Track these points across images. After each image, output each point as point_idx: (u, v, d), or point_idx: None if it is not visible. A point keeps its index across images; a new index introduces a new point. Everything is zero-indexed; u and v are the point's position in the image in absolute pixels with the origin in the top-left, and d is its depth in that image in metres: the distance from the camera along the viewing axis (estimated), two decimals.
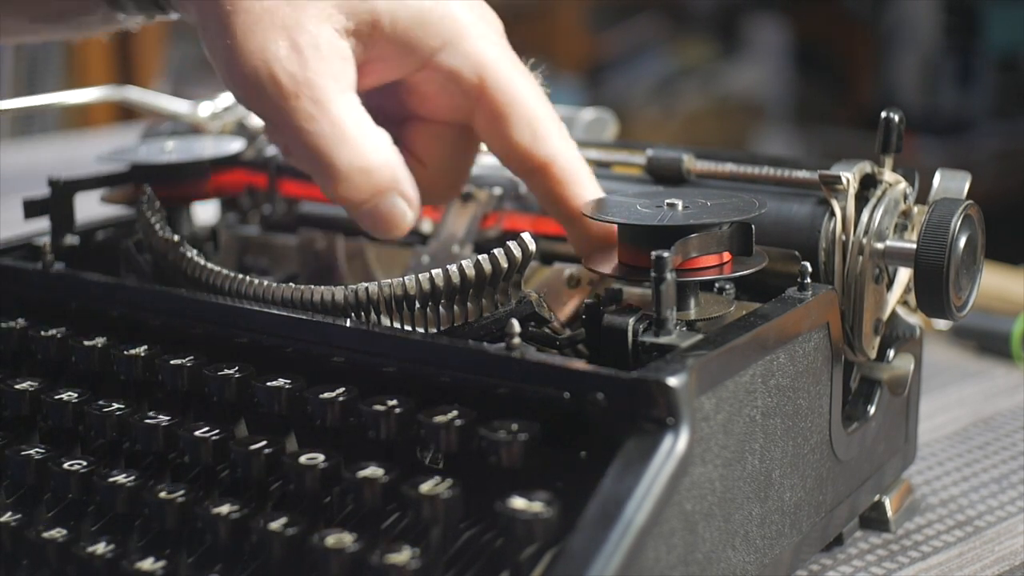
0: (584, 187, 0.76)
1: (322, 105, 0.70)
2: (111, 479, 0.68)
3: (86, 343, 0.76)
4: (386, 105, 0.78)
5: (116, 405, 0.72)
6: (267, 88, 0.70)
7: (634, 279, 0.73)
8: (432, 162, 0.79)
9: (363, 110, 0.72)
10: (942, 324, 0.82)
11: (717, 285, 0.76)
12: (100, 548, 0.64)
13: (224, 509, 0.64)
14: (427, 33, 0.74)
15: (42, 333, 0.78)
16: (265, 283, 0.75)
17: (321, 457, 0.65)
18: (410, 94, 0.77)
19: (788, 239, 0.76)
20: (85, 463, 0.70)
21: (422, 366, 0.67)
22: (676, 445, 0.60)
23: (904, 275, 0.78)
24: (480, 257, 0.70)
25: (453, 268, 0.70)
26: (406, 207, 0.72)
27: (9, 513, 0.68)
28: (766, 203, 0.73)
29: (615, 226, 0.74)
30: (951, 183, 0.79)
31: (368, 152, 0.71)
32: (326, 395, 0.67)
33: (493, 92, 0.75)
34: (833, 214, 0.76)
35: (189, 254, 0.79)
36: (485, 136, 0.77)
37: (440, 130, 0.79)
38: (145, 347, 0.75)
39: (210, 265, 0.78)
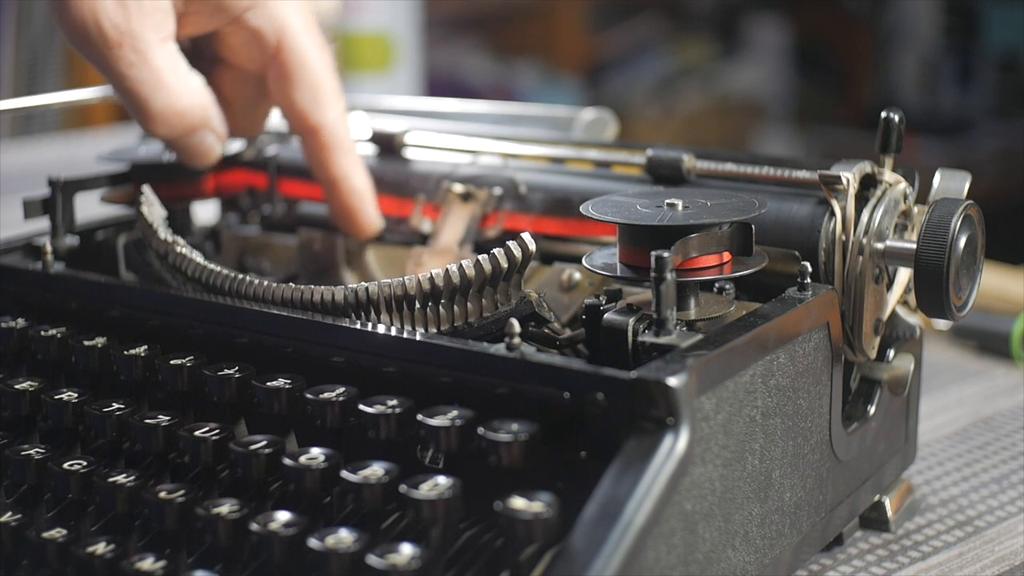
0: (346, 156, 0.87)
1: (143, 54, 0.79)
2: (111, 479, 0.68)
3: (86, 343, 0.76)
4: (203, 47, 0.87)
5: (116, 405, 0.73)
6: (94, 36, 0.79)
7: (625, 278, 0.73)
8: (236, 103, 0.88)
9: (180, 58, 0.82)
10: (942, 324, 0.82)
11: (717, 285, 0.76)
12: (100, 548, 0.64)
13: (224, 509, 0.64)
14: None
15: (42, 333, 0.78)
16: (265, 283, 0.75)
17: (321, 457, 0.65)
18: (221, 42, 0.87)
19: (788, 239, 0.76)
20: (85, 463, 0.70)
21: (422, 366, 0.67)
22: (676, 445, 0.60)
23: (904, 275, 0.78)
24: (480, 257, 0.70)
25: (453, 268, 0.70)
26: (215, 140, 0.84)
27: (9, 513, 0.68)
28: (766, 203, 0.73)
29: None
30: (951, 183, 0.79)
31: (182, 96, 0.81)
32: (326, 395, 0.67)
33: (287, 55, 0.85)
34: (833, 214, 0.76)
35: (189, 254, 0.79)
36: (272, 90, 0.87)
37: (244, 77, 0.88)
38: (145, 347, 0.75)
39: (210, 265, 0.78)
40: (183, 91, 0.81)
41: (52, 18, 0.83)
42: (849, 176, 0.76)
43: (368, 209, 0.88)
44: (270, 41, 0.85)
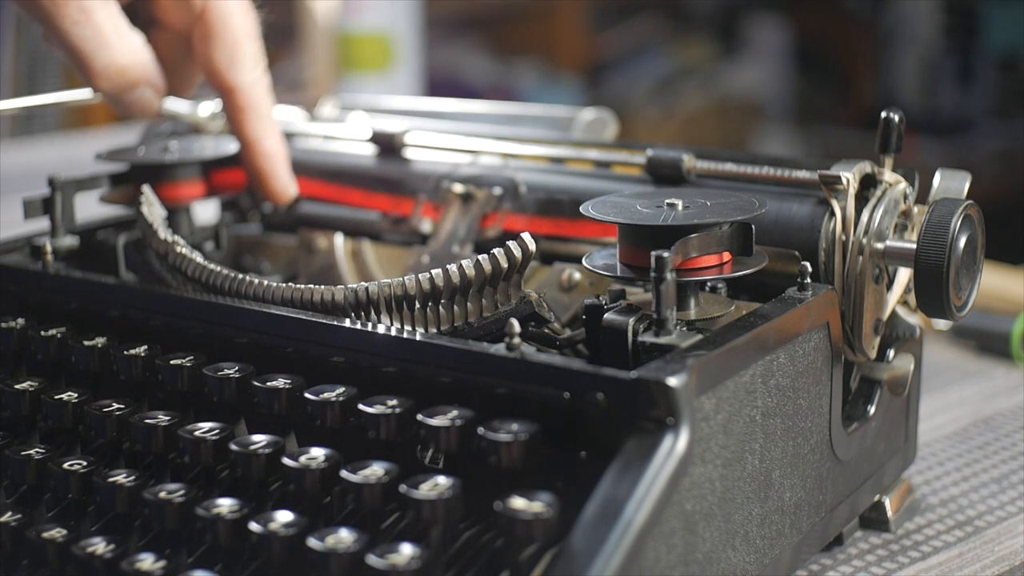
0: (260, 120, 0.90)
1: (87, 12, 0.82)
2: (111, 479, 0.68)
3: (86, 343, 0.76)
4: (138, 10, 0.90)
5: (116, 405, 0.73)
6: None
7: (625, 278, 0.73)
8: (167, 62, 0.90)
9: (122, 17, 0.84)
10: (942, 324, 0.82)
11: (709, 284, 0.76)
12: (100, 548, 0.64)
13: (224, 509, 0.64)
14: None
15: (42, 333, 0.78)
16: (265, 283, 0.75)
17: (321, 457, 0.65)
18: (155, 3, 0.90)
19: (788, 239, 0.76)
20: (85, 463, 0.70)
21: (422, 366, 0.67)
22: (676, 445, 0.60)
23: (904, 275, 0.78)
24: (480, 257, 0.70)
25: (453, 268, 0.70)
26: (153, 95, 0.87)
27: (9, 513, 0.68)
28: (766, 203, 0.73)
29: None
30: (951, 183, 0.79)
31: (124, 54, 0.84)
32: (326, 395, 0.67)
33: (209, 15, 0.88)
34: (833, 214, 0.76)
35: (189, 254, 0.79)
36: (195, 49, 0.89)
37: (175, 37, 0.90)
38: (145, 347, 0.75)
39: (210, 265, 0.78)
40: (125, 48, 0.84)
41: None
42: (849, 176, 0.76)
43: (279, 174, 0.91)
44: (196, 2, 0.88)
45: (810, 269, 0.72)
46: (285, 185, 0.91)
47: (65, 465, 0.70)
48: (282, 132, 0.92)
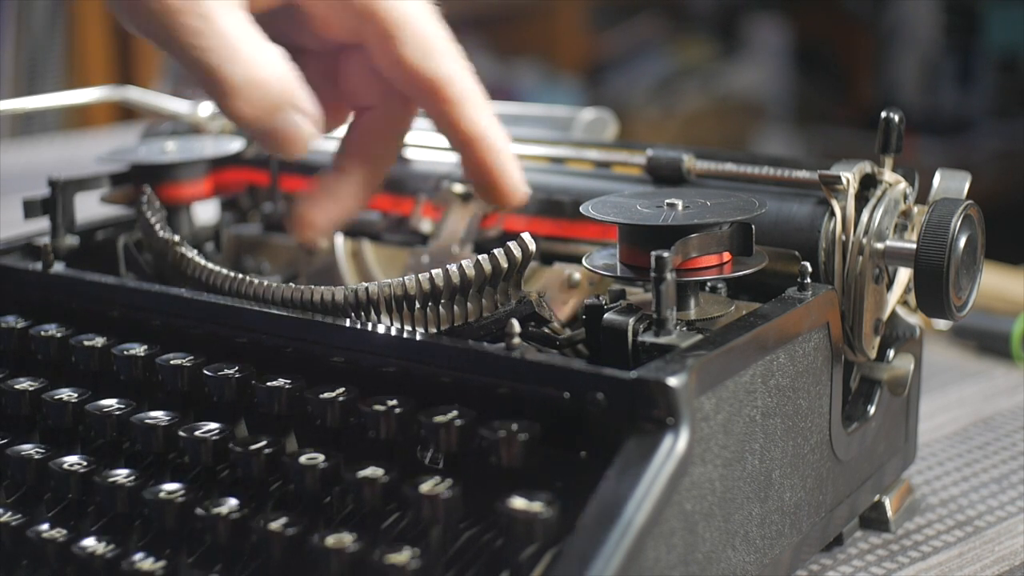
0: (477, 109, 0.74)
1: (209, 20, 0.68)
2: (111, 479, 0.68)
3: (86, 343, 0.76)
4: (279, 35, 0.74)
5: (116, 405, 0.73)
6: (152, 6, 0.68)
7: (625, 278, 0.73)
8: (320, 92, 0.75)
9: (254, 26, 0.70)
10: (942, 324, 0.82)
11: (709, 284, 0.76)
12: (100, 548, 0.64)
13: (224, 509, 0.64)
14: None
15: (42, 333, 0.78)
16: (265, 283, 0.75)
17: (321, 457, 0.65)
18: (303, 19, 0.75)
19: (788, 239, 0.76)
20: (85, 463, 0.70)
21: (422, 366, 0.67)
22: (676, 445, 0.60)
23: (904, 275, 0.78)
24: (480, 257, 0.70)
25: (453, 268, 0.70)
26: (305, 122, 0.71)
27: (9, 513, 0.68)
28: (766, 203, 0.73)
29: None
30: (951, 183, 0.79)
31: (260, 65, 0.69)
32: (326, 395, 0.67)
33: (382, 10, 0.73)
34: (833, 214, 0.76)
35: (189, 254, 0.79)
36: (377, 57, 0.74)
37: (325, 64, 0.77)
38: (145, 347, 0.75)
39: (210, 265, 0.78)
40: (261, 60, 0.69)
41: None
42: (849, 176, 0.76)
43: (511, 170, 0.75)
44: (356, 1, 0.73)
45: (810, 269, 0.72)
46: (518, 184, 0.76)
47: (65, 465, 0.70)
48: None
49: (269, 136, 0.71)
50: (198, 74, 0.69)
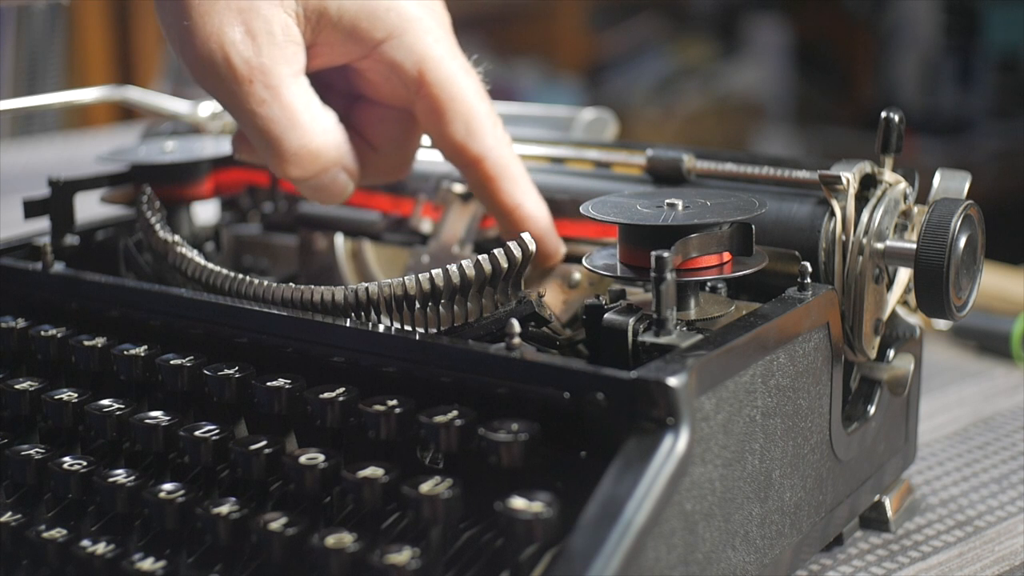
0: (515, 184, 0.80)
1: (275, 90, 0.73)
2: (111, 479, 0.68)
3: (86, 343, 0.76)
4: (335, 83, 0.81)
5: (116, 405, 0.73)
6: (222, 72, 0.73)
7: (625, 278, 0.73)
8: (378, 142, 0.82)
9: (312, 94, 0.76)
10: (942, 324, 0.82)
11: (709, 284, 0.76)
12: (100, 548, 0.64)
13: (224, 509, 0.64)
14: (372, 25, 0.77)
15: (42, 333, 0.78)
16: (265, 283, 0.75)
17: (321, 457, 0.65)
18: (357, 77, 0.81)
19: (788, 239, 0.76)
20: (85, 463, 0.70)
21: (422, 366, 0.67)
22: (676, 445, 0.60)
23: (904, 275, 0.78)
24: (480, 257, 0.70)
25: (453, 268, 0.70)
26: (347, 179, 0.78)
27: (9, 513, 0.68)
28: (766, 203, 0.73)
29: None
30: (951, 183, 0.79)
31: (316, 135, 0.75)
32: (326, 395, 0.67)
33: (432, 87, 0.78)
34: (833, 214, 0.76)
35: (189, 254, 0.79)
36: (424, 126, 0.80)
37: (385, 113, 0.82)
38: (145, 347, 0.75)
39: (210, 265, 0.78)
40: (317, 129, 0.75)
41: (175, 52, 0.75)
42: (849, 176, 0.76)
43: (548, 235, 0.81)
44: (411, 74, 0.78)
45: (810, 269, 0.72)
46: (556, 246, 0.82)
47: (65, 465, 0.70)
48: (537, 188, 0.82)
49: (315, 190, 0.78)
50: (257, 138, 0.75)
